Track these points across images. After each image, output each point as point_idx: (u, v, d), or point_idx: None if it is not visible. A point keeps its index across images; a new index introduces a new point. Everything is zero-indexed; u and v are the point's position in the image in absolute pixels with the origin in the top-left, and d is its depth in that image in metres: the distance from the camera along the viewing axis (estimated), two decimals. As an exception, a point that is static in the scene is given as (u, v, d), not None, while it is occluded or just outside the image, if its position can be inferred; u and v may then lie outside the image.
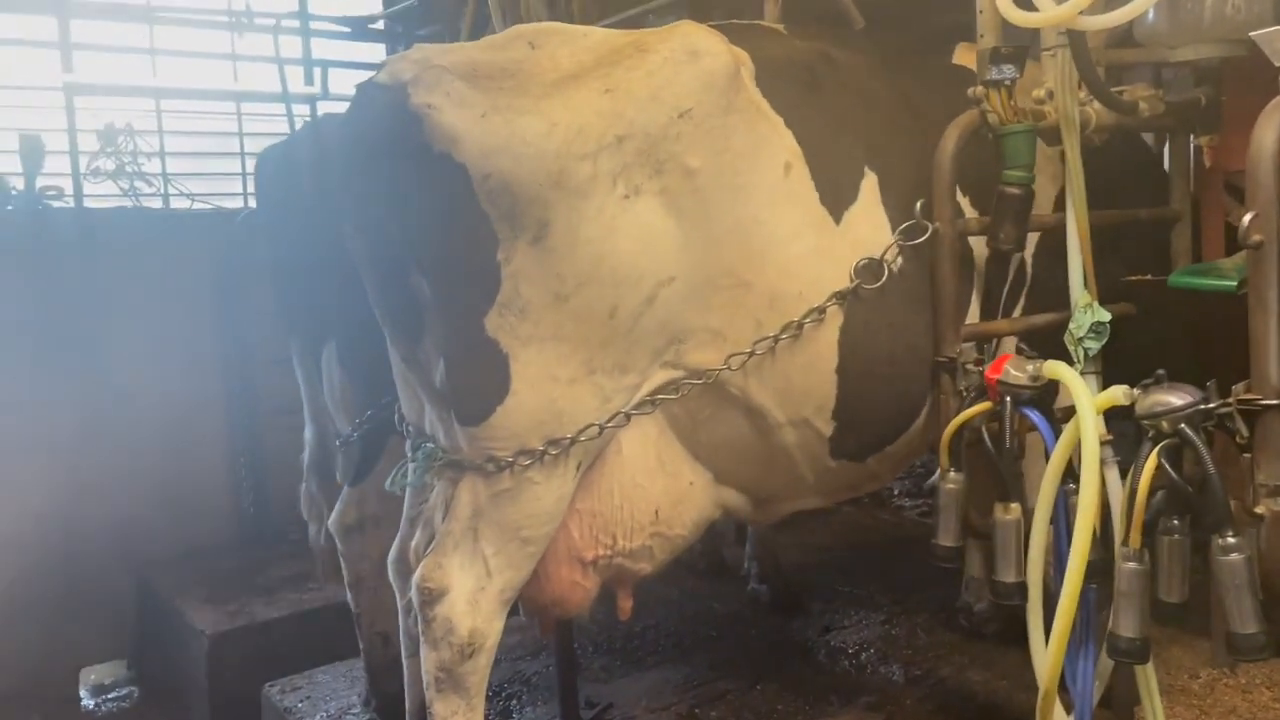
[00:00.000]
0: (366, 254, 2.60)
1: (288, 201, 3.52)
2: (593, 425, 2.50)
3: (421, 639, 2.49)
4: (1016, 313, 3.17)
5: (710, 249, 2.55)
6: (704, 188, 2.52)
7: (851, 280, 2.69)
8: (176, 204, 6.13)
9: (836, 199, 2.74)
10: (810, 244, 2.67)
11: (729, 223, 2.56)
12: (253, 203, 6.34)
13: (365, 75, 2.53)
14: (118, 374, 5.64)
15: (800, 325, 2.64)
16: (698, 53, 2.52)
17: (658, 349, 2.57)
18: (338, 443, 3.49)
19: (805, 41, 2.94)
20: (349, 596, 3.47)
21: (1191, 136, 3.23)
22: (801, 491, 2.99)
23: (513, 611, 2.66)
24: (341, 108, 2.88)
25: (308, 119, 6.32)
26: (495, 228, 2.36)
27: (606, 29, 2.67)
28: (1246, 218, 2.15)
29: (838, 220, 2.73)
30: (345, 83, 6.64)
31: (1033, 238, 3.07)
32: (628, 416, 2.56)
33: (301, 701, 3.87)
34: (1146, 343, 3.12)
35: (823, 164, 2.71)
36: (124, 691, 5.60)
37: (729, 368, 2.61)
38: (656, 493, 2.69)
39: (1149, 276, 3.19)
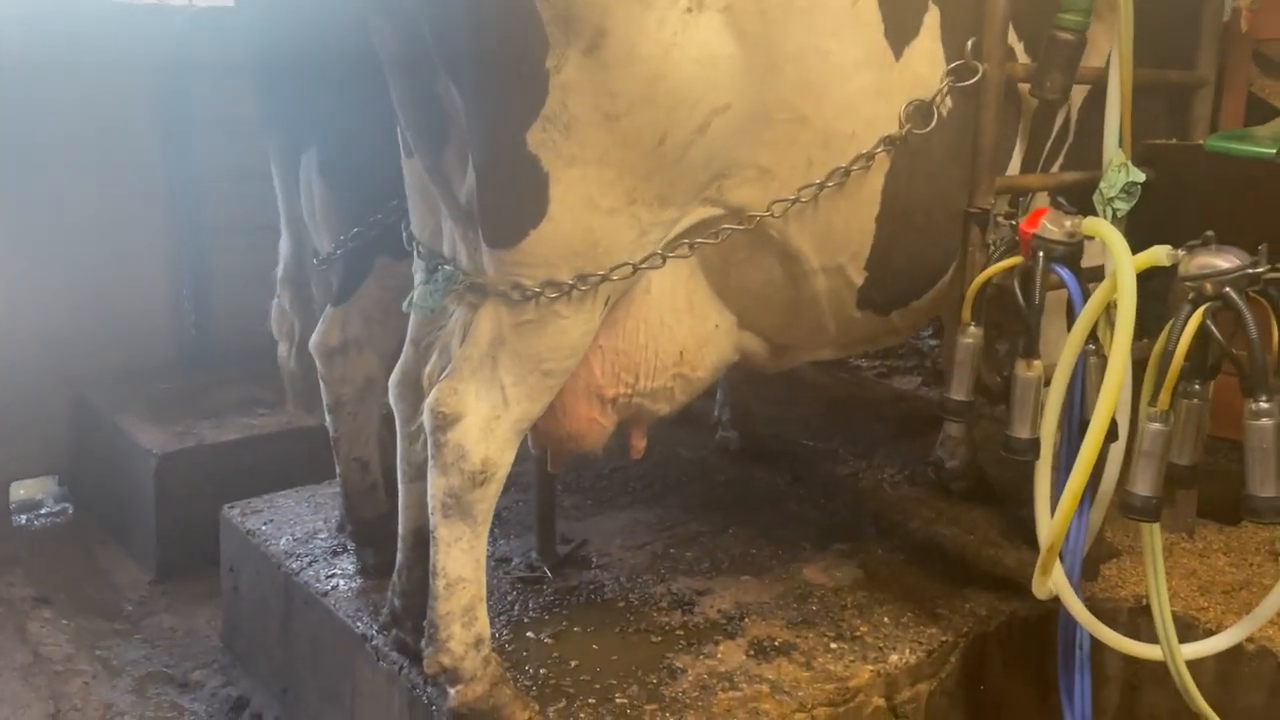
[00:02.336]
0: (396, 52, 2.37)
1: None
2: (626, 264, 2.36)
3: (431, 463, 2.38)
4: (1055, 169, 3.07)
5: (770, 78, 2.37)
6: (769, 9, 2.32)
7: (901, 125, 2.55)
8: (114, -5, 5.60)
9: (900, 32, 2.56)
10: (871, 80, 2.50)
11: (791, 50, 2.37)
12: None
13: None
14: (50, 181, 5.23)
15: (848, 172, 2.51)
16: None
17: (702, 183, 2.42)
18: (316, 261, 3.29)
19: None
20: (327, 420, 3.33)
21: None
22: (821, 341, 2.92)
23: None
24: None
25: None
26: (547, 31, 2.14)
27: None
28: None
29: (898, 56, 2.56)
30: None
31: (1081, 90, 2.95)
32: (664, 258, 2.43)
33: (265, 524, 3.76)
34: (1161, 211, 3.08)
35: None
36: (56, 508, 5.43)
37: (772, 214, 2.48)
38: (682, 333, 2.58)
39: (1173, 141, 3.12)
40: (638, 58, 2.21)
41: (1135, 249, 2.46)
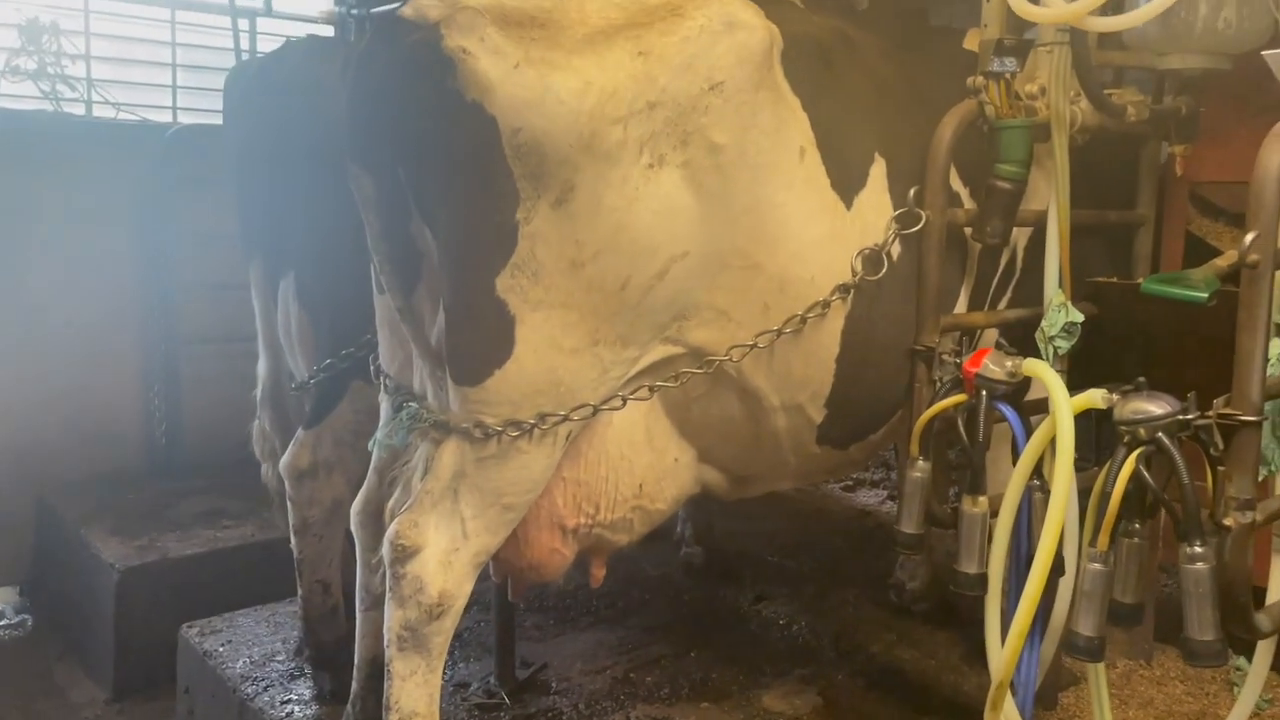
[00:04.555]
0: (371, 196, 2.48)
1: (259, 123, 3.33)
2: (587, 405, 2.45)
3: (389, 595, 2.41)
4: (1003, 305, 3.21)
5: (725, 227, 2.50)
6: (726, 164, 2.46)
7: (854, 272, 2.69)
8: (100, 112, 5.77)
9: (848, 184, 2.72)
10: (822, 229, 2.65)
11: (746, 202, 2.52)
12: (183, 117, 6.03)
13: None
14: (29, 287, 5.33)
15: (804, 319, 2.63)
16: (735, 24, 2.45)
17: (662, 324, 2.53)
18: (293, 386, 3.35)
19: (823, 18, 2.89)
20: (293, 541, 3.36)
21: (1165, 144, 3.29)
22: (781, 474, 3.01)
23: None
24: (287, 26, 2.72)
25: (246, 33, 6.05)
26: (518, 185, 2.27)
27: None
28: (1248, 237, 2.20)
29: (849, 205, 2.71)
30: (289, 1, 6.35)
31: (1025, 230, 3.10)
32: (624, 400, 2.52)
33: (223, 645, 3.74)
34: (1108, 344, 3.20)
35: (835, 148, 2.69)
36: (15, 619, 5.35)
37: (730, 359, 2.59)
38: (642, 467, 2.66)
39: (1115, 279, 3.26)
40: (603, 210, 2.34)
41: (1084, 383, 2.57)
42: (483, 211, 2.30)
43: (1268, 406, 2.40)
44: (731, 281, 2.56)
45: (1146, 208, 3.40)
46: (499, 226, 2.30)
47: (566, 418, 2.43)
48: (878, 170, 2.78)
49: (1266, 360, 2.28)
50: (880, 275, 2.72)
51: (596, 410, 2.48)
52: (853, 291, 2.69)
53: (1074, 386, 2.59)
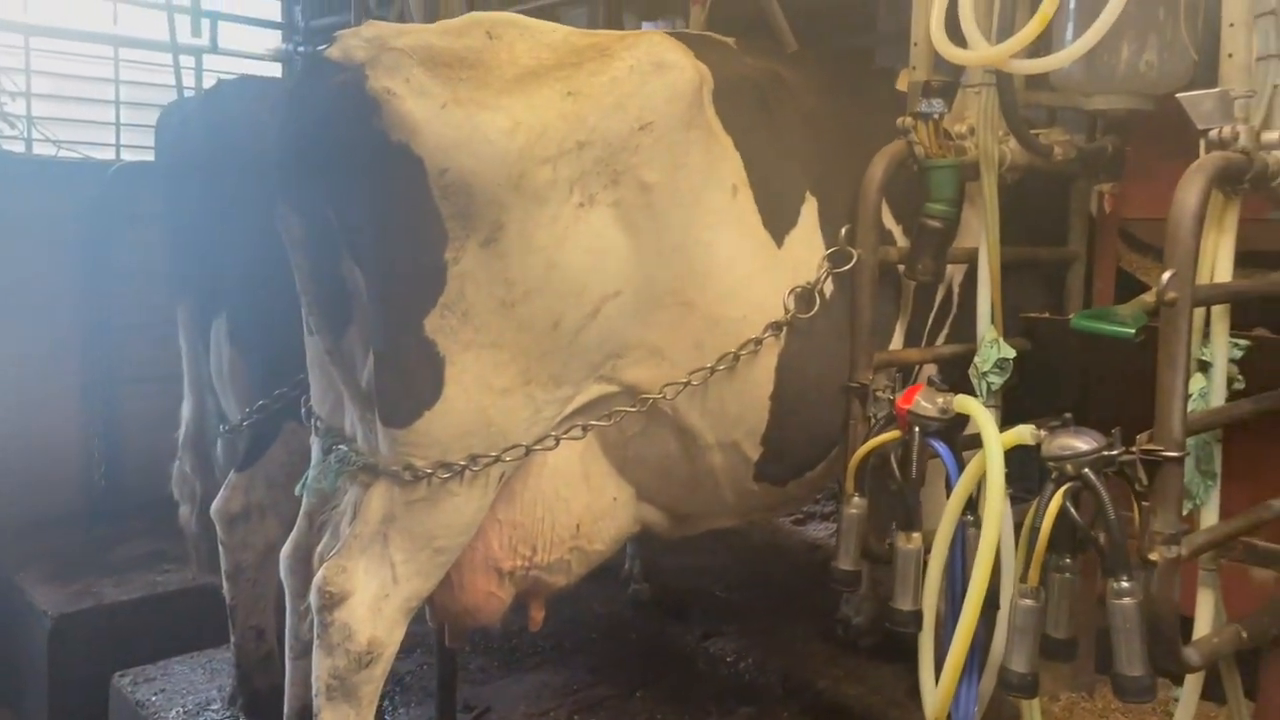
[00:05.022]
0: (300, 236, 2.46)
1: (192, 163, 3.30)
2: (519, 445, 2.44)
3: (316, 643, 2.37)
4: (940, 341, 3.24)
5: (657, 266, 2.52)
6: (657, 204, 2.48)
7: (786, 310, 2.70)
8: (41, 149, 5.69)
9: (780, 222, 2.74)
10: (754, 267, 2.66)
11: (677, 241, 2.53)
12: (127, 154, 5.96)
13: (259, 32, 2.39)
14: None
15: (737, 356, 2.64)
16: (664, 65, 2.48)
17: (595, 363, 2.52)
18: (223, 428, 3.30)
19: (757, 59, 2.93)
20: (225, 587, 3.29)
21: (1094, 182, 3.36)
22: (720, 512, 3.00)
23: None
24: (231, 64, 2.70)
25: (191, 71, 6.01)
26: (447, 225, 2.26)
27: (566, 27, 2.60)
28: (1165, 275, 2.24)
29: (780, 244, 2.73)
30: (235, 38, 6.32)
31: (961, 267, 3.14)
32: (557, 440, 2.51)
33: (156, 695, 3.66)
34: (1044, 378, 3.25)
35: (767, 187, 2.72)
36: (-53, 670, 5.18)
37: (664, 396, 2.59)
38: (579, 507, 2.64)
39: (1047, 315, 3.31)
40: (533, 249, 2.34)
41: (1021, 417, 2.60)
42: (411, 252, 2.29)
43: (1191, 441, 2.44)
44: (665, 319, 2.57)
45: (1078, 244, 3.46)
46: (428, 266, 2.29)
47: (498, 459, 2.41)
48: (809, 209, 2.81)
49: (1187, 396, 2.32)
50: (813, 313, 2.74)
51: (529, 451, 2.47)
52: (785, 329, 2.70)
53: (1011, 421, 2.62)
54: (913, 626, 2.68)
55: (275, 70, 6.29)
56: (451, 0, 4.03)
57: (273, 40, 6.28)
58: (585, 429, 2.56)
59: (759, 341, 2.65)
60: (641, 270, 2.50)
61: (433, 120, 2.20)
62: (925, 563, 2.69)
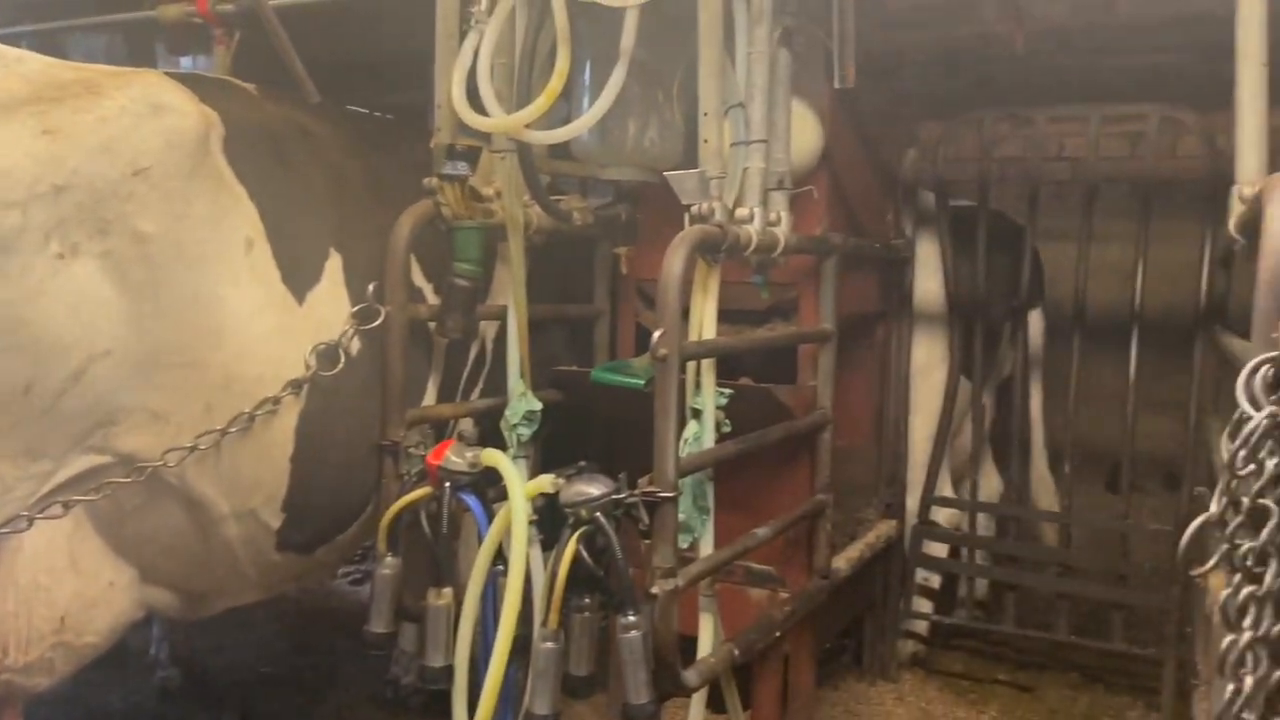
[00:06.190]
0: None
1: None
2: None
3: None
4: (475, 396, 3.29)
5: (158, 323, 2.32)
6: (156, 256, 2.29)
7: (308, 367, 2.61)
8: None
9: (301, 278, 2.66)
10: (271, 324, 2.55)
11: (183, 296, 2.36)
12: None
13: None
14: None
15: (253, 417, 2.50)
16: (162, 107, 2.30)
17: (81, 432, 2.26)
18: None
19: (279, 108, 2.83)
20: None
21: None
22: (242, 588, 2.81)
23: None
24: None
25: None
26: None
27: (46, 57, 2.33)
28: (656, 335, 2.46)
29: (300, 301, 2.63)
30: None
31: (495, 323, 3.23)
32: (30, 521, 2.21)
33: None
34: (578, 427, 3.44)
35: (286, 241, 2.62)
36: None
37: (167, 464, 2.38)
38: (65, 596, 2.35)
39: (574, 368, 3.52)
40: None
41: (559, 465, 2.71)
42: None
43: (687, 481, 2.70)
44: (168, 381, 2.38)
45: (602, 302, 3.74)
46: None
47: None
48: (334, 265, 2.76)
49: (679, 441, 2.56)
50: (337, 371, 2.68)
51: (-7, 537, 2.15)
52: (306, 387, 2.62)
53: (551, 471, 2.72)
54: (444, 683, 2.69)
55: None
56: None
57: None
58: (67, 505, 2.28)
59: (277, 401, 2.54)
60: (139, 327, 2.30)
61: None
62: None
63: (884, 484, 4.08)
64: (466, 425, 3.36)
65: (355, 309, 2.77)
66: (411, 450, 2.84)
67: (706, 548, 2.84)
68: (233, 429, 2.47)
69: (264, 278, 2.56)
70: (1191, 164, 3.69)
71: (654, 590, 2.47)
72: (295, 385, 2.59)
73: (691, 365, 2.78)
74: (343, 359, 2.71)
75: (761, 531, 2.94)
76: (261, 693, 4.10)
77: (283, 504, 2.66)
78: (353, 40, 3.56)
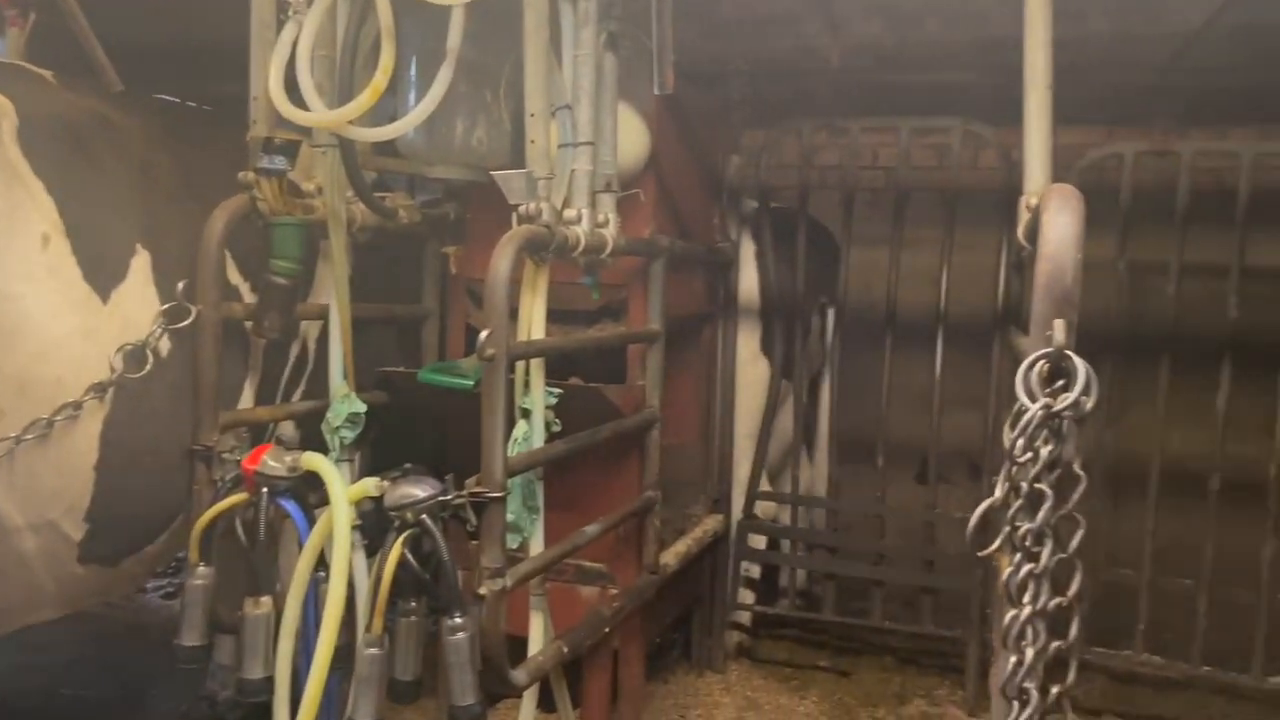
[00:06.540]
0: None
1: None
2: None
3: None
4: (297, 398, 3.19)
5: None
6: None
7: (113, 370, 2.47)
8: None
9: (105, 276, 2.51)
10: (72, 324, 2.40)
11: None
12: None
13: None
14: None
15: (51, 423, 2.35)
16: None
17: None
18: None
19: (78, 97, 2.66)
20: None
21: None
22: (39, 604, 2.63)
23: None
24: None
25: None
26: None
27: None
28: (484, 334, 2.45)
29: (105, 299, 2.49)
30: None
31: (317, 323, 3.13)
32: None
33: None
34: (407, 429, 3.38)
35: (88, 237, 2.48)
36: None
37: None
38: None
39: (401, 369, 3.45)
40: None
41: (388, 468, 2.64)
42: None
43: (516, 481, 2.70)
44: None
45: (431, 301, 3.68)
46: None
47: None
48: (141, 262, 2.63)
49: (507, 441, 2.56)
50: (145, 373, 2.55)
51: None
52: (111, 390, 2.48)
53: (378, 474, 2.66)
54: (264, 695, 2.60)
55: None
56: None
57: None
58: None
59: (79, 405, 2.40)
60: None
61: None
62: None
63: (711, 480, 4.19)
64: (287, 429, 3.26)
65: (164, 308, 2.64)
66: (226, 455, 2.73)
67: (536, 547, 2.85)
68: (29, 435, 2.32)
69: (63, 275, 2.42)
70: (991, 175, 3.96)
71: (481, 591, 2.46)
72: (99, 389, 2.45)
73: (520, 365, 2.78)
74: (151, 360, 2.58)
75: (590, 529, 2.97)
76: (64, 718, 3.85)
77: (85, 514, 2.52)
78: (163, 26, 3.40)
